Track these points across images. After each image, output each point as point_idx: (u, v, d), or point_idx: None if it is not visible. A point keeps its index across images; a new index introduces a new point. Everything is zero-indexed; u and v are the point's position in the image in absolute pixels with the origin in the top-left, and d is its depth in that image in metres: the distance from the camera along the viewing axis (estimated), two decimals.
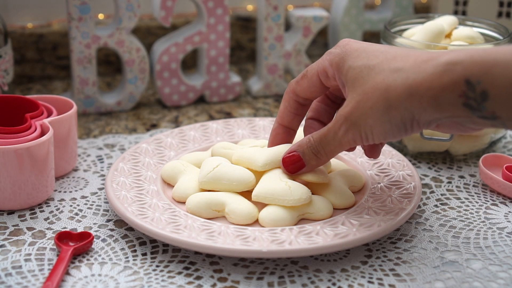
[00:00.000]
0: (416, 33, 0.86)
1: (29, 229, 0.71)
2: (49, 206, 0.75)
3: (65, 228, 0.71)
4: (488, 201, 0.77)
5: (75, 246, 0.67)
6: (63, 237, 0.68)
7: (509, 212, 0.75)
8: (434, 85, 0.60)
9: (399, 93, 0.62)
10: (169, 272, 0.65)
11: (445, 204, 0.76)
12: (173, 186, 0.75)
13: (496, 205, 0.76)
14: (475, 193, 0.79)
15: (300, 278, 0.65)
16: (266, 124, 0.87)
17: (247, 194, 0.71)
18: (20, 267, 0.65)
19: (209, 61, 0.99)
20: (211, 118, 0.97)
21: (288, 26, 1.06)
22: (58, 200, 0.76)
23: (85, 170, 0.82)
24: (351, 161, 0.80)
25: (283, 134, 0.74)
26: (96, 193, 0.78)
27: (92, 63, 0.95)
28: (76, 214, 0.74)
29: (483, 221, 0.73)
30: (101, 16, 1.08)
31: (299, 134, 0.77)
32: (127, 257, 0.67)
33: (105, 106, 0.97)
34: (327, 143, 0.67)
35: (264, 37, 1.00)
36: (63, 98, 0.81)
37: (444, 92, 0.60)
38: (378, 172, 0.78)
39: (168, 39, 0.98)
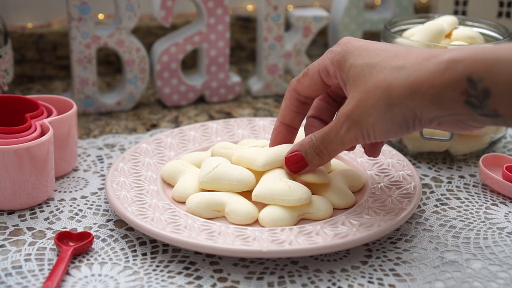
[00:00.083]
0: (416, 33, 0.85)
1: (29, 229, 0.71)
2: (49, 206, 0.75)
3: (65, 228, 0.71)
4: (488, 201, 0.77)
5: (75, 246, 0.67)
6: (63, 237, 0.68)
7: (509, 212, 0.75)
8: (436, 83, 0.60)
9: (400, 91, 0.62)
10: (169, 272, 0.65)
11: (445, 204, 0.76)
12: (173, 186, 0.75)
13: (496, 205, 0.76)
14: (475, 193, 0.79)
15: (300, 278, 0.65)
16: (266, 124, 0.87)
17: (247, 194, 0.71)
18: (20, 267, 0.65)
19: (209, 61, 0.99)
20: (211, 118, 0.97)
21: (288, 26, 1.06)
22: (58, 200, 0.76)
23: (85, 170, 0.82)
24: (351, 161, 0.80)
25: (285, 132, 0.74)
26: (96, 193, 0.78)
27: (92, 63, 0.95)
28: (76, 214, 0.74)
29: (483, 221, 0.73)
30: (101, 16, 1.08)
31: (300, 133, 0.77)
32: (127, 257, 0.67)
33: (105, 106, 0.97)
34: (329, 142, 0.67)
35: (264, 37, 1.00)
36: (63, 98, 0.81)
37: (446, 90, 0.60)
38: (378, 172, 0.78)
39: (168, 39, 0.98)
